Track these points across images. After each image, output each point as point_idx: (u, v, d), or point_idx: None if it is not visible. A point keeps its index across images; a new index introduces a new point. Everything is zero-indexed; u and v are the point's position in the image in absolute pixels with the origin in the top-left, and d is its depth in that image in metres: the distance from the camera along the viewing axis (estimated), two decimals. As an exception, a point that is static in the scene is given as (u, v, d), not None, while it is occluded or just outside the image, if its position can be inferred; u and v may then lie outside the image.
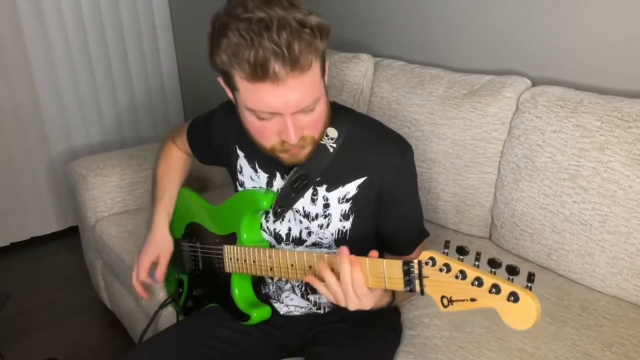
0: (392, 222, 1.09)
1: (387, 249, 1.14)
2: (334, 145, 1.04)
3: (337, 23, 2.13)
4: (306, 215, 1.07)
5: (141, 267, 1.24)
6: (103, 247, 1.78)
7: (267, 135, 0.92)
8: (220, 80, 0.94)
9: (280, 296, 1.17)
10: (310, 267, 0.95)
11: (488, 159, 1.50)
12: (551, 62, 1.55)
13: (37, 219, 2.56)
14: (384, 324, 1.16)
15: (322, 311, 1.16)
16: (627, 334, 1.17)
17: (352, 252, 1.10)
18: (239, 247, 1.09)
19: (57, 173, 2.53)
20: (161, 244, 1.24)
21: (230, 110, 1.17)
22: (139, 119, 2.70)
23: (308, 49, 0.83)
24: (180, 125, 1.39)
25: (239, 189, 1.16)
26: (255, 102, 0.87)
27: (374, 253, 0.89)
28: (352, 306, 0.89)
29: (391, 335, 1.16)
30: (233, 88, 0.90)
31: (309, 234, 1.09)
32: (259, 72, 0.82)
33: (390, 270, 0.84)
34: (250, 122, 0.92)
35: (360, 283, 0.87)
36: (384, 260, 0.84)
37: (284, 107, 0.86)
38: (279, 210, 1.07)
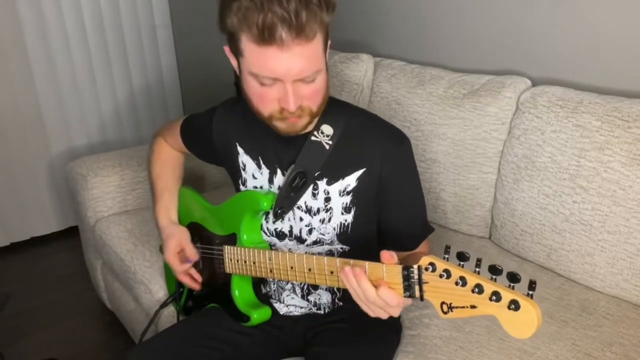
0: (392, 214, 1.09)
1: (390, 246, 1.13)
2: (330, 142, 1.04)
3: (338, 23, 2.13)
4: (308, 210, 1.08)
5: (173, 264, 1.22)
6: (103, 247, 1.78)
7: (267, 101, 0.94)
8: (227, 49, 0.96)
9: (280, 295, 1.17)
10: (309, 269, 0.95)
11: (488, 159, 1.50)
12: (551, 62, 1.55)
13: (37, 219, 2.56)
14: (384, 323, 1.15)
15: (322, 311, 1.16)
16: (627, 334, 1.17)
17: (354, 247, 1.10)
18: (239, 248, 1.09)
19: (57, 173, 2.53)
20: (174, 233, 1.23)
21: (232, 108, 1.18)
22: (139, 119, 2.70)
23: (314, 19, 0.86)
24: (170, 122, 1.37)
25: (241, 187, 1.16)
26: (259, 66, 0.89)
27: (386, 254, 0.85)
28: (396, 313, 0.87)
29: (391, 335, 1.16)
30: (238, 53, 0.91)
31: (310, 231, 1.09)
32: (266, 36, 0.84)
33: (390, 275, 0.83)
34: (252, 87, 0.94)
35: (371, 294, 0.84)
36: (384, 265, 0.84)
37: (286, 73, 0.88)
38: (279, 211, 1.07)
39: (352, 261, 0.88)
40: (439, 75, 1.65)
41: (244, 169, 1.14)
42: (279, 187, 1.08)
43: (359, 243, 1.10)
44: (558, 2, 1.49)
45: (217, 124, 1.18)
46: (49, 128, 2.46)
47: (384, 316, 0.87)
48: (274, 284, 1.18)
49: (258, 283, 1.18)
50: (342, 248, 1.10)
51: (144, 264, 1.58)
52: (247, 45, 0.88)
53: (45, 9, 2.30)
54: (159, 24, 2.62)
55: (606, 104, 1.28)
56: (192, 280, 1.24)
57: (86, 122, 2.55)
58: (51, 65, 2.38)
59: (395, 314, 0.87)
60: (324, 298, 1.15)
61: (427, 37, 1.88)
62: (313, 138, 1.04)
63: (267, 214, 1.11)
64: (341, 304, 1.15)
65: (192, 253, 1.22)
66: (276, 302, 1.18)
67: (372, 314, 0.88)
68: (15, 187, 2.45)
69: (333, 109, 1.05)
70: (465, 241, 1.57)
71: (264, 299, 1.18)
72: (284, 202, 1.07)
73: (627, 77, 1.40)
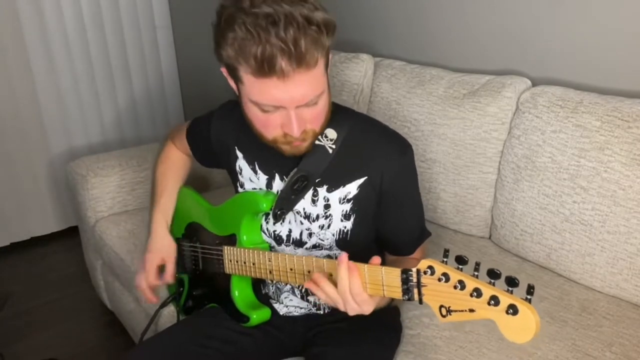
0: (392, 222, 1.09)
1: (388, 250, 1.14)
2: (333, 146, 1.04)
3: (337, 23, 2.13)
4: (307, 217, 1.07)
5: (149, 272, 1.22)
6: (103, 247, 1.78)
7: (270, 127, 0.93)
8: (224, 70, 0.95)
9: (279, 297, 1.17)
10: (309, 271, 0.95)
11: (488, 159, 1.50)
12: (551, 62, 1.55)
13: (37, 219, 2.56)
14: (384, 323, 1.16)
15: (321, 312, 1.16)
16: (627, 334, 1.17)
17: (353, 252, 1.09)
18: (238, 249, 1.09)
19: (57, 173, 2.52)
20: (163, 247, 1.24)
21: (230, 111, 1.17)
22: (138, 119, 2.70)
23: (314, 46, 0.83)
24: (180, 124, 1.38)
25: (239, 190, 1.16)
26: (260, 95, 0.87)
27: (377, 260, 0.88)
28: (352, 312, 0.89)
29: (391, 335, 1.16)
30: (237, 80, 0.90)
31: (310, 235, 1.09)
32: (266, 68, 0.82)
33: (389, 278, 0.83)
34: (254, 114, 0.93)
35: (358, 290, 0.86)
36: (383, 268, 0.84)
37: (289, 101, 0.87)
38: (278, 212, 1.07)
39: (351, 263, 0.88)
40: (439, 75, 1.65)
41: (240, 173, 1.14)
42: (279, 190, 1.08)
43: (358, 249, 1.10)
44: (558, 2, 1.49)
45: (215, 127, 1.18)
46: (49, 128, 2.46)
47: (357, 310, 0.88)
48: (272, 285, 1.17)
49: (257, 283, 1.18)
50: (340, 253, 1.10)
51: (144, 264, 1.57)
52: (246, 76, 0.86)
53: (45, 9, 2.30)
54: (159, 24, 2.62)
55: (606, 104, 1.28)
56: (151, 294, 1.24)
57: (86, 122, 2.55)
58: (51, 65, 2.38)
59: (366, 312, 0.88)
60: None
61: (427, 37, 1.88)
62: (317, 142, 1.03)
63: (266, 215, 1.11)
64: (341, 304, 1.15)
65: (170, 276, 1.23)
66: (275, 303, 1.18)
67: (351, 312, 0.89)
68: (15, 187, 2.45)
69: (336, 114, 1.04)
70: (465, 241, 1.57)
71: (264, 300, 1.18)
72: (284, 203, 1.07)
73: (627, 77, 1.40)
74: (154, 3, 2.57)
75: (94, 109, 2.55)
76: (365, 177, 1.04)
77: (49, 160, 2.51)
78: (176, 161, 1.34)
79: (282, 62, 0.81)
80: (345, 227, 1.07)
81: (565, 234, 1.33)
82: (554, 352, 1.12)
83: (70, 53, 2.41)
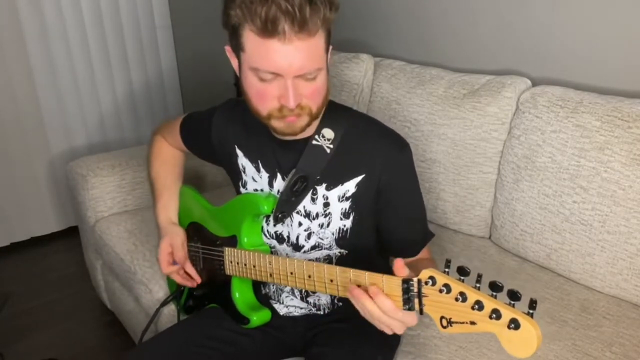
0: (392, 221, 1.09)
1: (391, 252, 1.14)
2: (331, 146, 1.04)
3: (338, 23, 2.13)
4: (307, 215, 1.07)
5: (162, 262, 1.21)
6: (103, 247, 1.78)
7: (266, 99, 0.93)
8: (228, 49, 0.97)
9: (280, 297, 1.17)
10: (309, 276, 0.94)
11: (488, 159, 1.50)
12: (551, 62, 1.55)
13: (37, 219, 2.56)
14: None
15: (321, 312, 1.16)
16: (627, 334, 1.17)
17: (352, 250, 1.10)
18: (239, 251, 1.09)
19: (57, 173, 2.53)
20: (168, 233, 1.23)
21: (232, 110, 1.17)
22: (139, 119, 2.70)
23: (317, 15, 0.86)
24: (169, 120, 1.37)
25: (241, 189, 1.16)
26: (260, 59, 0.89)
27: (399, 262, 0.83)
28: (399, 329, 0.86)
29: (391, 336, 1.16)
30: (240, 48, 0.91)
31: (309, 235, 1.09)
32: (269, 28, 0.85)
33: (389, 287, 0.82)
34: (252, 84, 0.93)
35: (390, 306, 0.83)
36: (384, 276, 0.83)
37: (287, 68, 0.88)
38: (280, 215, 1.07)
39: (351, 270, 0.87)
40: (439, 75, 1.65)
41: (244, 172, 1.14)
42: (279, 191, 1.08)
43: (358, 248, 1.10)
44: (558, 2, 1.49)
45: (217, 125, 1.18)
46: (49, 128, 2.46)
47: (389, 332, 0.86)
48: (273, 285, 1.17)
49: (258, 283, 1.18)
50: (340, 252, 1.10)
51: (144, 264, 1.58)
52: (249, 38, 0.88)
53: (45, 9, 2.30)
54: (159, 24, 2.62)
55: (606, 104, 1.28)
56: (184, 278, 1.23)
57: (86, 122, 2.55)
58: (51, 65, 2.38)
59: (399, 331, 0.86)
60: (323, 299, 1.15)
61: (427, 37, 1.88)
62: (314, 142, 1.04)
63: (267, 216, 1.11)
64: (340, 304, 1.15)
65: (180, 256, 1.21)
66: (276, 303, 1.18)
67: (379, 328, 0.87)
68: (15, 187, 2.45)
69: (334, 112, 1.05)
70: (465, 241, 1.57)
71: (264, 300, 1.18)
72: (285, 206, 1.07)
73: (627, 77, 1.40)
74: (154, 3, 2.57)
75: (94, 109, 2.56)
76: (364, 175, 1.04)
77: (49, 160, 2.51)
78: (171, 158, 1.34)
79: (285, 25, 0.84)
80: (344, 226, 1.07)
81: (565, 234, 1.33)
82: (554, 352, 1.12)
83: (70, 53, 2.41)
